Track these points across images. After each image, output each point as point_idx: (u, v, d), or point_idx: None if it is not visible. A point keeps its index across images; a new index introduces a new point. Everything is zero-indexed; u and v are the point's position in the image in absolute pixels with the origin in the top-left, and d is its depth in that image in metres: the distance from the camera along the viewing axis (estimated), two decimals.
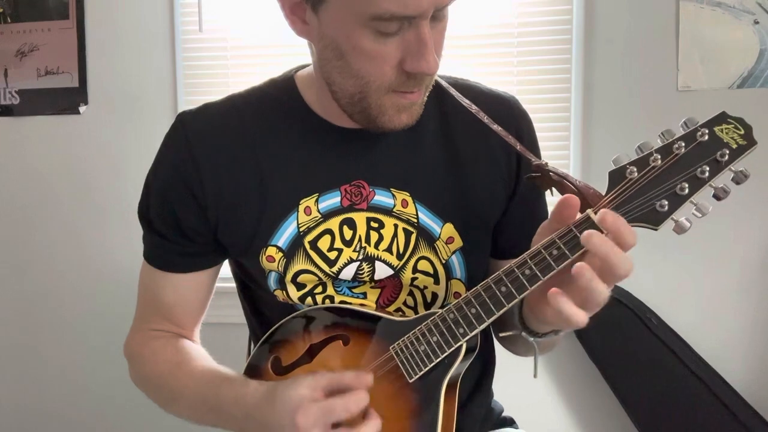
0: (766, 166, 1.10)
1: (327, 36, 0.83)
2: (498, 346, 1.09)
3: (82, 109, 2.18)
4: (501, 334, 0.97)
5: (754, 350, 1.89)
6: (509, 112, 0.99)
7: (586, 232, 0.73)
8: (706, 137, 0.74)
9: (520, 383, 1.52)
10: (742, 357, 1.89)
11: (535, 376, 0.90)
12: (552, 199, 0.92)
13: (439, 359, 0.84)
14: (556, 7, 1.95)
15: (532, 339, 0.85)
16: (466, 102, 0.95)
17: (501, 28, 1.97)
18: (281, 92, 0.98)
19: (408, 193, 0.95)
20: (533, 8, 1.96)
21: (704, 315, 1.90)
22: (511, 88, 1.95)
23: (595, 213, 0.75)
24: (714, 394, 1.78)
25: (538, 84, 1.97)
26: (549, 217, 0.79)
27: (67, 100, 2.18)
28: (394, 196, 0.95)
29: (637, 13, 1.89)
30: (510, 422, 1.14)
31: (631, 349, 1.85)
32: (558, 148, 1.96)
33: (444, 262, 0.97)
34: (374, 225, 0.95)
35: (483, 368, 1.08)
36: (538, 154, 1.00)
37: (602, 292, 0.72)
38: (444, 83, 0.97)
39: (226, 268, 1.07)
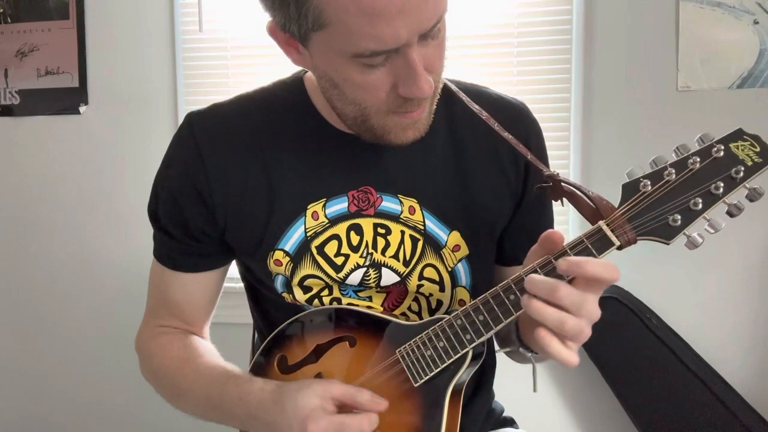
0: None
1: (319, 68, 0.83)
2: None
3: (82, 109, 2.18)
4: (500, 350, 0.98)
5: (754, 350, 1.90)
6: (519, 119, 0.99)
7: (524, 297, 0.75)
8: (722, 153, 0.74)
9: (521, 383, 1.53)
10: (742, 357, 1.90)
11: (534, 390, 0.90)
12: (560, 209, 0.93)
13: (445, 365, 0.84)
14: (556, 7, 1.95)
15: (530, 355, 0.86)
16: (476, 107, 0.94)
17: (501, 28, 1.97)
18: (290, 95, 0.97)
19: (415, 200, 0.95)
20: (533, 8, 1.96)
21: (704, 315, 1.91)
22: (511, 88, 1.96)
23: (608, 225, 0.76)
24: (714, 394, 1.79)
25: (538, 84, 1.97)
26: (536, 244, 0.80)
27: (67, 100, 2.18)
28: (401, 202, 0.95)
29: (637, 13, 1.89)
30: (510, 422, 1.14)
31: (631, 349, 1.86)
32: (558, 148, 1.96)
33: (450, 269, 0.97)
34: (381, 231, 0.95)
35: (484, 369, 1.08)
36: (546, 163, 1.00)
37: (577, 329, 0.74)
38: (454, 87, 0.97)
39: (232, 268, 1.07)
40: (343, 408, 0.84)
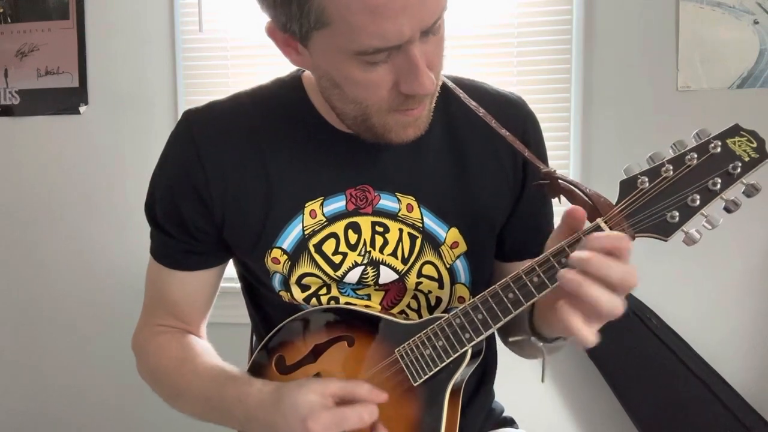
0: (766, 166, 1.10)
1: (320, 67, 0.83)
2: (500, 347, 1.09)
3: (82, 109, 2.18)
4: (510, 339, 0.97)
5: (754, 350, 1.90)
6: (516, 114, 0.99)
7: (560, 272, 0.72)
8: (719, 149, 0.73)
9: (521, 383, 1.53)
10: (742, 357, 1.90)
11: (542, 380, 0.90)
12: (559, 208, 0.92)
13: (444, 364, 0.84)
14: (556, 7, 1.95)
15: (541, 344, 0.86)
16: (473, 104, 0.94)
17: (501, 28, 1.97)
18: (288, 93, 0.97)
19: (413, 198, 0.95)
20: (533, 8, 1.96)
21: (704, 315, 1.91)
22: (511, 88, 1.93)
23: (606, 222, 0.75)
24: (714, 394, 1.78)
25: (538, 84, 1.97)
26: (558, 227, 0.78)
27: (67, 100, 2.18)
28: (399, 200, 0.95)
29: (637, 13, 1.89)
30: (510, 422, 1.14)
31: (630, 348, 1.86)
32: (558, 148, 1.96)
33: (449, 266, 0.97)
34: (379, 229, 0.94)
35: (484, 369, 1.08)
36: (544, 155, 1.01)
37: (601, 301, 0.70)
38: (450, 84, 0.97)
39: (229, 268, 1.07)
40: (343, 404, 0.83)
